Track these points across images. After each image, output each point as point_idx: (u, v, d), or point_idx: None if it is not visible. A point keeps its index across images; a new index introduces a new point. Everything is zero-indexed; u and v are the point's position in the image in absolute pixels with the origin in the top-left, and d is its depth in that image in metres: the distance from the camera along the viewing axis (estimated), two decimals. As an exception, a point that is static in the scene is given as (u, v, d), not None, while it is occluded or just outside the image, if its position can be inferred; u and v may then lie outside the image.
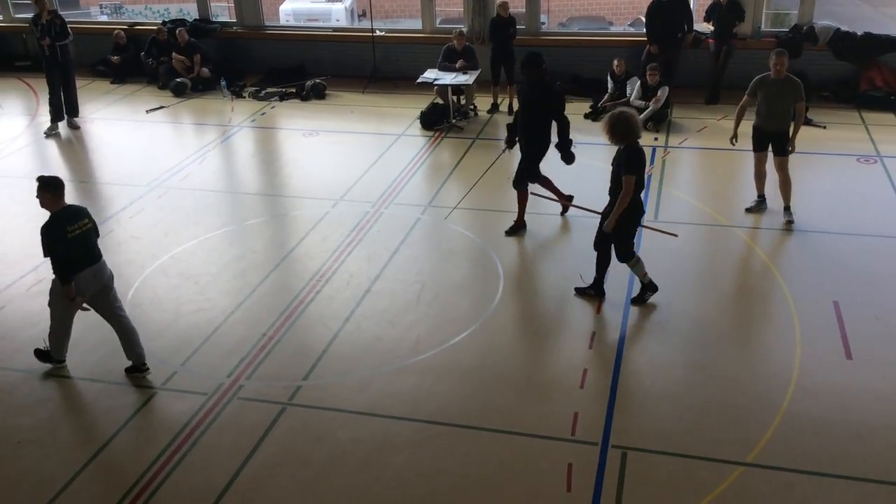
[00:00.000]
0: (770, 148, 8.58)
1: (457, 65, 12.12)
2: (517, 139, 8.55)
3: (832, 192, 9.45)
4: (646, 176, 6.86)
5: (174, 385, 6.30)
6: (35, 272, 7.97)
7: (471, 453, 5.55)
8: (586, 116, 12.22)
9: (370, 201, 9.50)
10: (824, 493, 5.15)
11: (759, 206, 8.90)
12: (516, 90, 8.43)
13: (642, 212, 6.99)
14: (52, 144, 11.84)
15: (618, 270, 7.73)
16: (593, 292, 7.29)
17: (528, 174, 8.50)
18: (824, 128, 11.43)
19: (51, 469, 5.43)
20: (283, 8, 21.15)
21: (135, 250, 8.46)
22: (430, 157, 10.96)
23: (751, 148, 8.82)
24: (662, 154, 10.75)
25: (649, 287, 7.18)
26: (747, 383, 6.17)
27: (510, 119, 8.74)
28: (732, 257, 8.22)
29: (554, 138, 8.40)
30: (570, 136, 8.30)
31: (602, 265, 7.24)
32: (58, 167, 11.16)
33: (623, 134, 6.56)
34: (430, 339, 6.80)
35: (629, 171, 6.57)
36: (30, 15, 12.70)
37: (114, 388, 6.29)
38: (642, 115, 11.53)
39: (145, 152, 11.39)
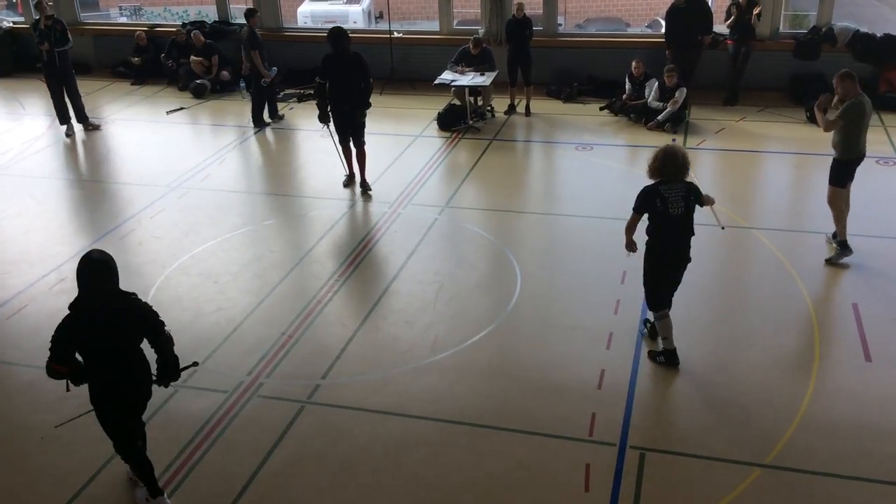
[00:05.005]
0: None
1: (460, 66, 12.19)
2: (343, 108, 9.49)
3: (851, 193, 9.39)
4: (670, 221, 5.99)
5: (195, 383, 6.35)
6: (57, 271, 8.08)
7: (489, 453, 5.58)
8: (602, 109, 12.40)
9: (388, 202, 9.55)
10: (843, 494, 5.13)
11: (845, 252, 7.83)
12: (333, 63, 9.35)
13: (668, 259, 6.19)
14: (72, 145, 11.97)
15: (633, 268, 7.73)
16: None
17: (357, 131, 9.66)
18: (844, 129, 11.37)
19: (73, 465, 5.49)
20: (301, 10, 21.26)
21: (155, 250, 8.54)
22: (448, 158, 11.00)
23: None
24: (680, 155, 10.72)
25: (667, 355, 6.35)
26: (766, 385, 6.15)
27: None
28: (751, 259, 8.20)
29: None
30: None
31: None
32: (78, 167, 11.30)
33: (652, 172, 6.03)
34: (448, 339, 6.83)
35: (633, 209, 6.08)
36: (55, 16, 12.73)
37: (135, 385, 6.35)
38: (660, 117, 11.55)
39: (166, 153, 11.50)
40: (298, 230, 9.09)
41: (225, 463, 5.53)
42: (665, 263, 6.19)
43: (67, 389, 4.82)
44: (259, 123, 12.35)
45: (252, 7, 12.81)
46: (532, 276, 7.83)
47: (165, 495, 5.16)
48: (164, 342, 4.83)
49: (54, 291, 7.72)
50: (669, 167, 5.92)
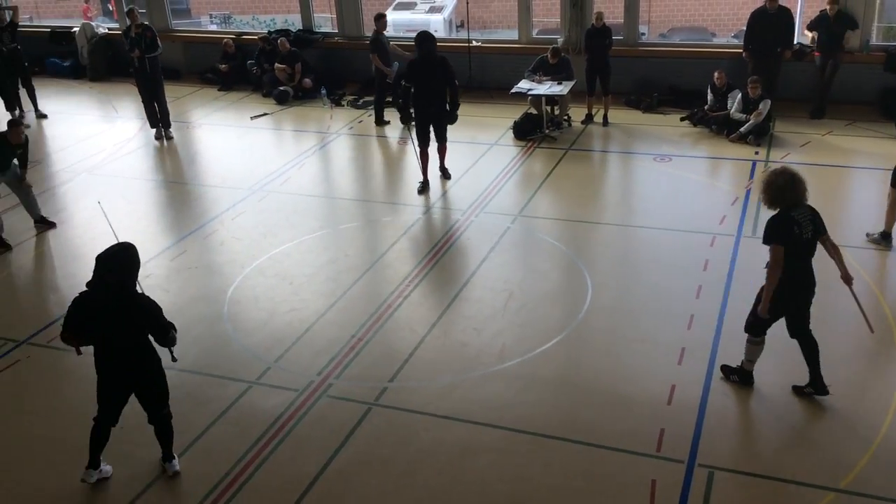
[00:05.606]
0: None
1: (537, 76, 12.19)
2: (426, 108, 9.88)
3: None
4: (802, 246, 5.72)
5: (267, 380, 6.54)
6: (142, 268, 8.35)
7: (553, 463, 5.56)
8: (682, 119, 12.16)
9: (461, 209, 9.61)
10: (923, 525, 4.93)
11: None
12: (414, 67, 9.87)
13: (800, 285, 5.85)
14: (161, 147, 12.45)
15: (709, 282, 7.57)
16: (812, 390, 6.05)
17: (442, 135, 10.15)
18: (937, 144, 10.91)
19: (150, 455, 5.68)
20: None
21: (235, 250, 8.81)
22: (522, 166, 11.00)
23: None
24: (763, 169, 10.47)
25: (742, 374, 6.22)
26: (843, 406, 5.94)
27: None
28: (832, 275, 7.91)
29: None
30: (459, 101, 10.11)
31: (808, 354, 6.04)
32: (166, 169, 11.75)
33: (772, 199, 5.70)
34: (516, 348, 6.83)
35: (773, 241, 5.68)
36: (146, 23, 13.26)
37: (213, 380, 6.57)
38: (743, 129, 11.30)
39: (248, 157, 11.85)
40: (373, 235, 9.24)
41: (293, 459, 5.67)
42: (796, 290, 5.83)
43: (78, 353, 5.31)
44: (380, 122, 12.95)
45: (380, 12, 13.36)
46: (604, 287, 7.77)
47: (94, 470, 5.44)
48: (167, 343, 5.21)
49: (139, 287, 8.01)
50: (796, 191, 5.63)
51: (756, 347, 6.09)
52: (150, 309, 5.13)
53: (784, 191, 5.64)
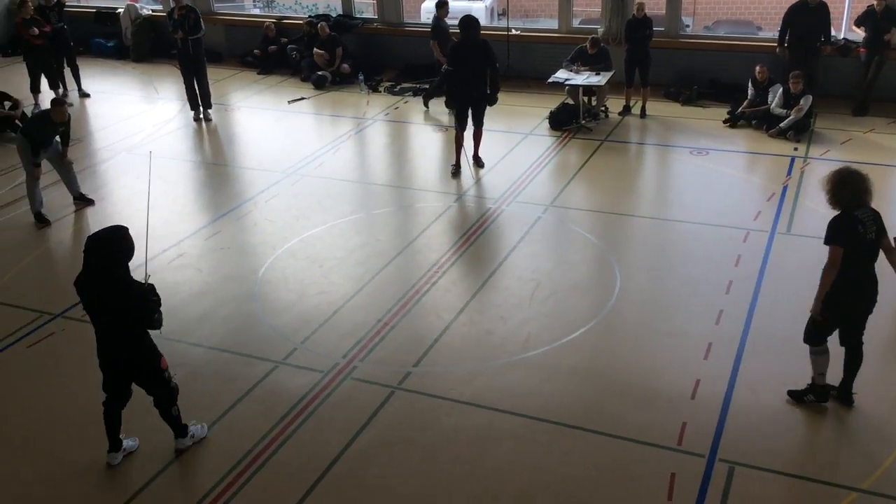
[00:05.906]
0: None
1: (575, 65, 12.11)
2: (468, 91, 9.99)
3: None
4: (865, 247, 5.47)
5: (293, 361, 6.63)
6: (177, 247, 8.56)
7: (572, 453, 5.57)
8: (725, 122, 11.88)
9: (493, 198, 9.62)
10: (947, 530, 4.86)
11: None
12: (457, 52, 9.99)
13: (865, 289, 5.60)
14: (200, 129, 12.61)
15: (740, 278, 7.50)
16: (837, 395, 5.93)
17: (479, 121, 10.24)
18: None
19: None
20: (424, 6, 21.50)
21: (268, 232, 8.93)
22: (557, 157, 10.95)
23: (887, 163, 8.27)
24: (801, 165, 10.31)
25: (817, 392, 5.89)
26: (869, 407, 5.86)
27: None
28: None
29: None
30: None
31: (849, 365, 5.86)
32: (203, 150, 11.91)
33: (839, 199, 5.48)
34: (541, 337, 6.84)
35: (835, 241, 5.43)
36: (189, 5, 13.37)
37: (240, 359, 6.69)
38: (783, 124, 11.12)
39: (284, 140, 11.96)
40: (405, 220, 9.28)
41: (316, 438, 5.75)
42: (858, 298, 5.58)
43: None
44: (427, 105, 13.06)
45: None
46: (633, 279, 7.73)
47: (117, 452, 5.57)
48: (152, 327, 5.23)
49: (173, 266, 8.18)
50: (867, 192, 5.46)
51: (821, 358, 5.77)
52: (133, 297, 5.10)
53: (858, 191, 5.43)
